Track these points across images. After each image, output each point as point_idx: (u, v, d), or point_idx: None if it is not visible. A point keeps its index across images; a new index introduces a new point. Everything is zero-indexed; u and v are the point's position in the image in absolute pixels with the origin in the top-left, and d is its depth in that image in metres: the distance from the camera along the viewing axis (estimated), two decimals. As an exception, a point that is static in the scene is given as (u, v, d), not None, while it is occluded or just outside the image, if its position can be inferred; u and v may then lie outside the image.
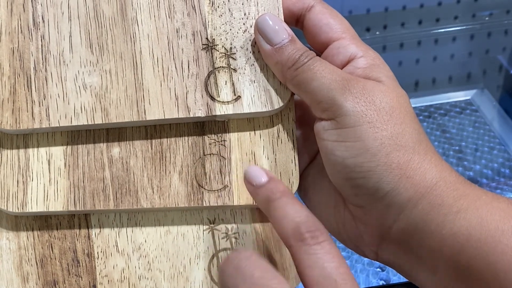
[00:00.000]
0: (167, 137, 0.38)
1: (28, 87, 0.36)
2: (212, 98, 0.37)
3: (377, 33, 0.91)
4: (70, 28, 0.37)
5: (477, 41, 0.94)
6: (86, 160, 0.37)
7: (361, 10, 0.88)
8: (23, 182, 0.36)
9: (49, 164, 0.36)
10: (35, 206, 0.36)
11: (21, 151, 0.36)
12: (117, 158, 0.37)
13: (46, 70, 0.36)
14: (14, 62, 0.36)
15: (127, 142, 0.37)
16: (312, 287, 0.30)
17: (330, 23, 0.38)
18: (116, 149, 0.37)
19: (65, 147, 0.37)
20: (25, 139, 0.36)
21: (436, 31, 0.92)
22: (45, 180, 0.36)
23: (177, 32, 0.37)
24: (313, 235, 0.31)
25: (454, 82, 0.95)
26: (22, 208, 0.36)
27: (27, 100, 0.36)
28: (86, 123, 0.36)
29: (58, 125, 0.36)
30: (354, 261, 0.72)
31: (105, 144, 0.37)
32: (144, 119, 0.36)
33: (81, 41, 0.37)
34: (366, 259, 0.71)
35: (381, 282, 0.70)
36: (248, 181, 0.35)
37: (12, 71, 0.36)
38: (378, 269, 0.71)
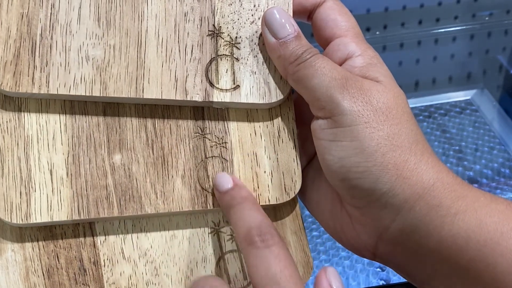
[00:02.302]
0: (168, 142, 0.38)
1: (32, 52, 0.36)
2: (211, 84, 0.37)
3: (377, 33, 0.91)
4: (81, 0, 0.37)
5: (477, 41, 0.93)
6: (88, 168, 0.37)
7: (361, 10, 0.88)
8: (26, 193, 0.36)
9: (51, 174, 0.36)
10: (39, 216, 0.36)
11: (23, 161, 0.36)
12: (119, 164, 0.37)
13: (51, 38, 0.36)
14: (21, 26, 0.36)
15: (128, 148, 0.37)
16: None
17: (337, 19, 0.38)
18: (117, 156, 0.37)
19: (66, 156, 0.37)
20: (26, 149, 0.36)
21: (436, 31, 0.92)
22: (48, 190, 0.36)
23: (185, 15, 0.38)
24: (263, 239, 0.32)
25: (454, 82, 0.95)
26: (26, 220, 0.35)
27: (29, 64, 0.36)
28: (84, 94, 0.36)
29: (56, 93, 0.36)
30: (354, 261, 0.72)
31: (106, 151, 0.37)
32: (141, 97, 0.37)
33: (89, 13, 0.37)
34: (366, 259, 0.71)
35: (381, 282, 0.70)
36: (215, 188, 0.36)
37: (19, 35, 0.36)
38: (378, 269, 0.71)
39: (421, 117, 0.90)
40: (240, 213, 0.34)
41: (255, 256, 0.32)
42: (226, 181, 0.36)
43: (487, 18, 0.92)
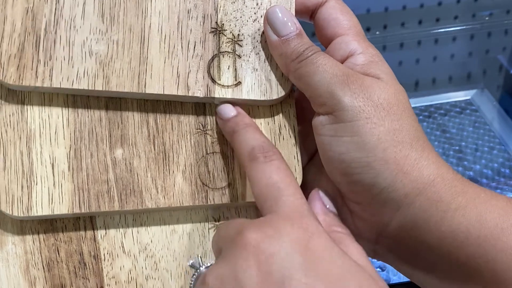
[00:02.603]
0: (169, 137, 0.38)
1: (36, 46, 0.36)
2: (213, 81, 0.37)
3: (377, 33, 0.91)
4: None
5: (477, 41, 0.94)
6: (89, 163, 0.37)
7: (361, 10, 0.88)
8: (27, 186, 0.36)
9: (52, 168, 0.36)
10: (40, 210, 0.36)
11: (25, 155, 0.36)
12: (121, 159, 0.37)
13: (56, 33, 0.37)
14: (26, 21, 0.37)
15: (130, 143, 0.37)
16: (259, 196, 0.33)
17: (338, 18, 0.38)
18: (119, 151, 0.37)
19: (68, 150, 0.37)
20: (28, 143, 0.37)
21: (436, 31, 0.92)
22: (50, 184, 0.36)
23: (188, 12, 0.38)
24: (265, 155, 0.34)
25: (454, 82, 0.95)
26: (27, 212, 0.36)
27: (33, 58, 0.36)
28: (87, 88, 0.36)
29: (59, 87, 0.36)
30: (354, 260, 0.72)
31: (108, 146, 0.37)
32: (143, 92, 0.37)
33: (94, 9, 0.37)
34: (366, 258, 0.71)
35: (381, 282, 0.70)
36: (218, 116, 0.38)
37: (23, 29, 0.37)
38: (378, 269, 0.71)
39: (421, 117, 0.90)
40: (243, 136, 0.36)
41: (257, 170, 0.34)
42: (229, 110, 0.37)
43: (487, 18, 0.93)
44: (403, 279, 0.67)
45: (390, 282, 0.70)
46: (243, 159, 0.35)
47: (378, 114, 0.35)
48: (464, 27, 0.92)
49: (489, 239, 0.32)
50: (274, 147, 0.35)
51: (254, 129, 0.36)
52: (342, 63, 0.37)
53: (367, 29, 0.90)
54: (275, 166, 0.33)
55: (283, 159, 0.34)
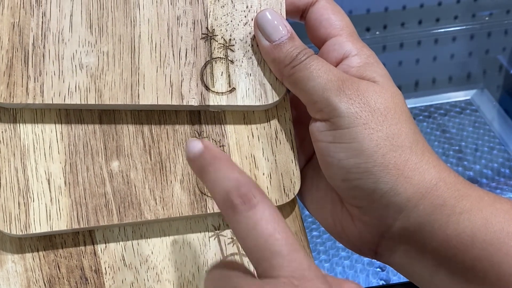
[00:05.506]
0: (165, 147, 0.38)
1: (25, 62, 0.36)
2: (207, 88, 0.37)
3: (377, 33, 0.91)
4: (72, 7, 0.37)
5: (477, 41, 0.93)
6: (86, 177, 0.36)
7: (361, 10, 0.88)
8: (24, 203, 0.36)
9: (49, 183, 0.36)
10: (39, 227, 0.35)
11: (20, 171, 0.36)
12: (117, 171, 0.37)
13: (44, 47, 0.36)
14: (13, 36, 0.36)
15: (126, 155, 0.37)
16: (249, 254, 0.28)
17: (331, 18, 0.38)
18: (115, 163, 0.37)
19: (63, 164, 0.36)
20: (22, 159, 0.36)
21: (436, 31, 0.92)
22: (47, 200, 0.36)
23: (177, 19, 0.38)
24: (244, 200, 0.28)
25: (454, 82, 0.95)
26: (26, 230, 0.35)
27: (23, 75, 0.36)
28: (79, 103, 0.36)
29: (51, 103, 0.36)
30: (354, 261, 0.72)
31: (103, 158, 0.37)
32: (137, 103, 0.36)
33: (81, 21, 0.37)
34: (366, 259, 0.71)
35: (381, 282, 0.70)
36: (187, 155, 0.32)
37: (11, 45, 0.36)
38: (378, 269, 0.71)
39: (421, 117, 0.90)
40: (213, 175, 0.29)
41: (239, 222, 0.28)
42: (193, 145, 0.31)
43: (487, 18, 0.92)
44: (403, 279, 0.67)
45: (390, 282, 0.70)
46: (219, 208, 0.29)
47: (375, 119, 0.34)
48: (464, 27, 0.92)
49: (495, 242, 0.32)
50: (252, 184, 0.29)
51: (224, 162, 0.30)
52: (337, 65, 0.37)
53: (367, 29, 0.90)
54: (259, 214, 0.28)
55: (266, 199, 0.29)
